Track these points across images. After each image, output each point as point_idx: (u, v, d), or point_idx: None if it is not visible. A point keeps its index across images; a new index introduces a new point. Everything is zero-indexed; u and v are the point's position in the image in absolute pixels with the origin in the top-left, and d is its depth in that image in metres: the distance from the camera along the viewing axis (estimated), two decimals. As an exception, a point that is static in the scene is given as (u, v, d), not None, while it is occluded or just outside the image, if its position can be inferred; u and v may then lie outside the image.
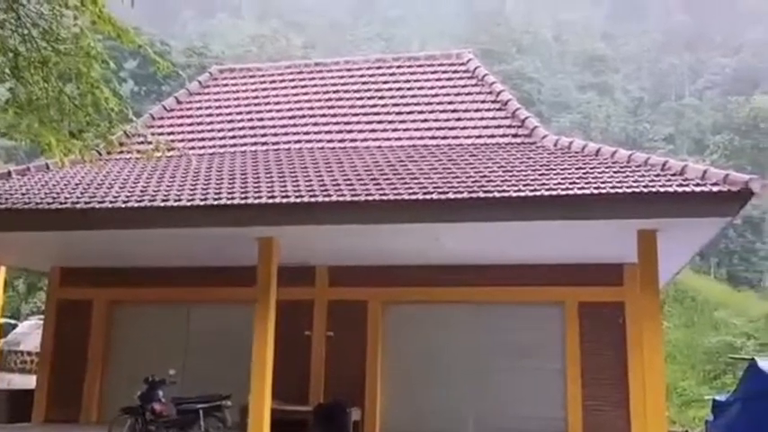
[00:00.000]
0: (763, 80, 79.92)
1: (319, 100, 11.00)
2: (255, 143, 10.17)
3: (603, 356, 8.71)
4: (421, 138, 9.68)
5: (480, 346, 9.24)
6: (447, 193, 6.96)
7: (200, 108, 11.40)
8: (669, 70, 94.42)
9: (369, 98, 10.86)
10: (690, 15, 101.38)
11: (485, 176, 7.39)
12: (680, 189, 6.42)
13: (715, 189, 6.34)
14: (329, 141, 9.93)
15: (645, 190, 6.52)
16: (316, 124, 10.40)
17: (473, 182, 7.22)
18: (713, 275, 49.63)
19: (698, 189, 6.38)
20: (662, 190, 6.47)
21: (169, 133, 10.46)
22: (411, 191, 7.09)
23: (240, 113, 10.99)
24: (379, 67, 11.71)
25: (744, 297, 46.95)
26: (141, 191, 7.80)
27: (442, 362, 9.35)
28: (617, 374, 8.62)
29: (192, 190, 7.70)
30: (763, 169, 53.24)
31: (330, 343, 9.51)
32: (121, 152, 9.61)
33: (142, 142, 9.11)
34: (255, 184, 7.74)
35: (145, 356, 10.02)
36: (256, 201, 7.21)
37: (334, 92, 11.14)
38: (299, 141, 10.06)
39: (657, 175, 6.84)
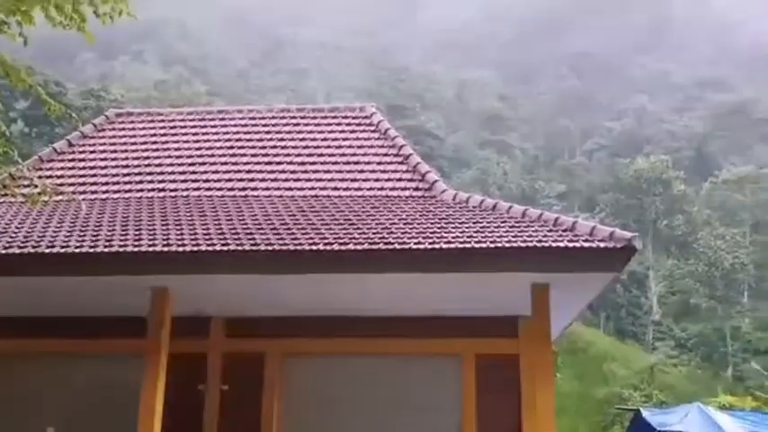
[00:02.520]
0: (645, 143, 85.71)
1: (221, 147, 10.86)
2: (152, 189, 9.87)
3: (498, 409, 8.78)
4: (323, 189, 9.70)
5: (379, 399, 9.14)
6: (348, 244, 6.99)
7: (93, 152, 10.99)
8: (562, 131, 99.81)
9: (272, 147, 10.82)
10: (580, 80, 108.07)
11: (386, 228, 7.48)
12: (570, 244, 6.71)
13: (602, 245, 6.66)
14: (230, 190, 9.79)
15: (538, 245, 6.77)
16: (216, 172, 10.24)
17: (374, 233, 7.29)
18: (602, 329, 51.80)
19: (586, 245, 6.69)
20: (554, 245, 6.73)
21: (59, 176, 10.00)
22: (312, 241, 7.07)
23: (137, 158, 10.67)
24: (282, 117, 11.72)
25: (630, 350, 49.23)
26: (24, 237, 7.37)
27: (341, 417, 9.18)
28: (511, 427, 8.71)
29: (80, 236, 7.35)
30: (645, 227, 56.63)
31: (225, 397, 9.16)
32: (4, 195, 9.09)
33: (28, 185, 8.65)
34: (150, 232, 7.49)
35: (22, 414, 9.31)
36: (150, 248, 6.98)
37: (237, 140, 11.03)
38: (198, 189, 9.85)
39: (550, 231, 7.12)
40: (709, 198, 64.93)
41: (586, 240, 6.78)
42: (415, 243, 6.94)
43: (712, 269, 53.60)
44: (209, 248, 6.95)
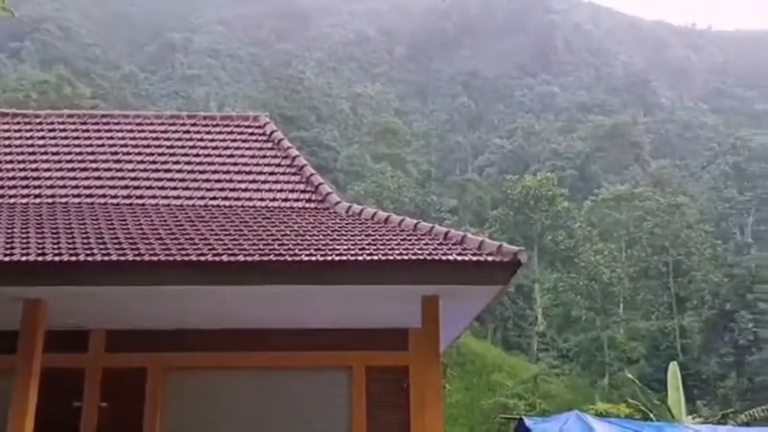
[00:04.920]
0: (532, 161, 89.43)
1: (104, 153, 10.37)
2: (28, 195, 9.30)
3: (388, 420, 8.83)
4: (213, 198, 9.47)
5: (266, 413, 8.98)
6: (237, 255, 6.85)
7: (-38, 154, 10.23)
8: (454, 147, 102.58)
9: (159, 154, 10.45)
10: (471, 99, 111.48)
11: (277, 240, 7.40)
12: (459, 257, 6.86)
13: (490, 258, 6.86)
14: (113, 197, 9.37)
15: (428, 257, 6.88)
16: (99, 179, 9.77)
17: (265, 245, 7.18)
18: (490, 340, 53.31)
19: (475, 258, 6.86)
20: (444, 258, 6.86)
21: None
22: (199, 252, 6.87)
23: (11, 162, 10.01)
24: (172, 124, 11.34)
25: (516, 360, 50.96)
26: None
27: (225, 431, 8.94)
28: (400, 438, 8.76)
29: (-57, 244, 6.81)
30: (531, 242, 58.91)
31: (103, 414, 8.71)
32: None
33: None
34: (23, 240, 7.04)
35: None
36: (23, 258, 6.56)
37: (122, 146, 10.57)
38: (78, 196, 9.37)
39: (440, 244, 7.26)
40: (590, 215, 68.35)
41: (475, 254, 6.95)
42: (307, 255, 6.89)
43: (592, 282, 56.38)
44: (89, 258, 6.61)
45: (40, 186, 9.51)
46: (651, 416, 21.08)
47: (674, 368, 22.29)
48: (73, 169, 9.96)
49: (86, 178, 9.78)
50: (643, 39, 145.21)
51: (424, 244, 7.25)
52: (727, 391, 47.87)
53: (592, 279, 56.32)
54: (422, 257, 6.88)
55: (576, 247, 60.84)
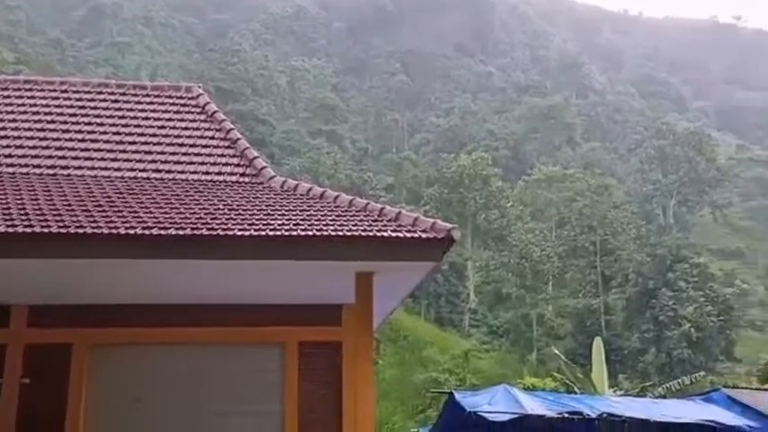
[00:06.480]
0: (468, 141, 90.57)
1: (27, 121, 9.93)
2: (-57, 163, 8.83)
3: (320, 396, 8.85)
4: (143, 170, 9.20)
5: (197, 390, 8.86)
6: (168, 228, 6.70)
7: None
8: (391, 125, 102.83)
9: (86, 124, 10.07)
10: (409, 77, 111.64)
11: (209, 213, 7.28)
12: (393, 234, 6.90)
13: (424, 235, 6.92)
14: (36, 167, 8.98)
15: (363, 234, 6.90)
16: (21, 147, 9.35)
17: (197, 218, 7.05)
18: (423, 316, 54.09)
19: (409, 235, 6.91)
20: (378, 234, 6.89)
21: None
22: (128, 225, 6.69)
23: (-75, 128, 9.50)
24: (99, 92, 10.93)
25: (448, 336, 51.88)
26: None
27: (155, 409, 8.79)
28: (332, 413, 8.79)
29: None
30: (465, 220, 59.80)
31: (25, 391, 8.44)
32: None
33: None
34: (-62, 210, 6.70)
35: None
36: (-62, 229, 6.24)
37: (46, 113, 10.15)
38: (-1, 165, 8.95)
39: (375, 221, 7.28)
40: (522, 195, 69.89)
41: (409, 230, 6.99)
42: (240, 229, 6.81)
43: (523, 260, 57.80)
44: (9, 230, 6.35)
45: (-44, 155, 9.06)
46: (575, 389, 21.83)
47: (598, 344, 23.13)
48: (-8, 137, 9.51)
49: (7, 146, 9.35)
50: (576, 22, 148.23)
51: (359, 220, 7.26)
52: (647, 366, 50.08)
53: (523, 257, 57.71)
54: (356, 233, 6.88)
55: (508, 226, 62.15)
